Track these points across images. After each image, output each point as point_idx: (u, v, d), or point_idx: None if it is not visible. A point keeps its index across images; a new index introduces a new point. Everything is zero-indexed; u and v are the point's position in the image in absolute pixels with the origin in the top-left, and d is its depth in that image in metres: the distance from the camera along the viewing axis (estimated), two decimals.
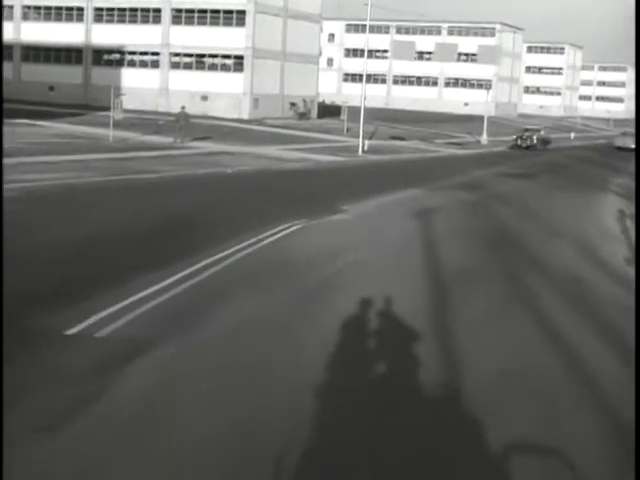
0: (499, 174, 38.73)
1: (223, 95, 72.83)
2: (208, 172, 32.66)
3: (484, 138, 67.86)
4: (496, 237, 20.11)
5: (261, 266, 15.21)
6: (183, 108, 47.68)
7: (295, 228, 19.49)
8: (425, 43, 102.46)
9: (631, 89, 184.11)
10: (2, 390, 7.87)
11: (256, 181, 31.17)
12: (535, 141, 61.48)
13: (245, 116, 71.74)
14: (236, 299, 12.65)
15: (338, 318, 11.57)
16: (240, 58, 72.35)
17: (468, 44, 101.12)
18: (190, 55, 74.58)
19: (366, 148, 48.91)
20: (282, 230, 18.98)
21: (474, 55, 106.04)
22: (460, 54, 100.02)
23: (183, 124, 45.80)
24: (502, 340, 11.25)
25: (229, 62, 73.28)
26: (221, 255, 15.50)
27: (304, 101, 78.24)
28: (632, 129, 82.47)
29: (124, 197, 23.86)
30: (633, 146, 74.93)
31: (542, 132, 65.03)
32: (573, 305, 13.45)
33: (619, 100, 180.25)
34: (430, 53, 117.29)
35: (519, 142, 61.56)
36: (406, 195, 27.83)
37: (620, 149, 74.52)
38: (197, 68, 74.46)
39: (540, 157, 54.60)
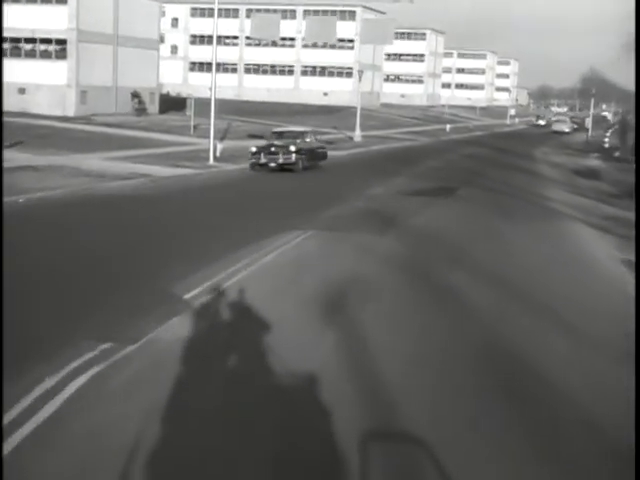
0: (405, 192, 28.44)
1: (44, 87, 60.31)
2: None
3: (357, 134, 57.94)
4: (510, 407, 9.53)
5: None
6: None
7: (75, 388, 8.64)
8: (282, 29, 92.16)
9: (491, 76, 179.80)
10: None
11: (51, 224, 19.82)
12: (293, 158, 34.23)
13: (71, 113, 59.53)
14: None
15: None
16: (63, 42, 60.02)
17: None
18: (2, 39, 61.58)
19: (219, 154, 37.91)
20: (39, 403, 8.11)
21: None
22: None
23: None
24: None
25: (50, 47, 60.80)
26: None
27: (136, 93, 65.94)
28: (564, 117, 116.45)
29: None
30: (567, 130, 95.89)
31: (309, 139, 37.32)
32: None
33: (480, 87, 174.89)
34: (285, 39, 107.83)
35: (263, 159, 34.27)
36: (287, 251, 17.09)
37: (556, 133, 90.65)
38: (12, 55, 61.46)
39: (438, 160, 44.87)
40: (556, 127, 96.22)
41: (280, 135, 37.17)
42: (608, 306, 13.61)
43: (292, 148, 34.33)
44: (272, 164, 34.15)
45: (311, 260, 16.28)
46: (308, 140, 37.04)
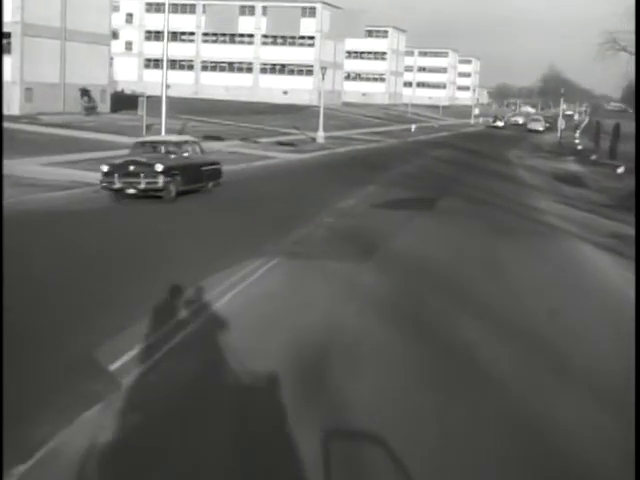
0: (379, 204, 25.30)
1: None
2: None
3: (321, 135, 54.82)
4: None
5: None
6: None
7: None
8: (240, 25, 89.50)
9: (453, 75, 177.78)
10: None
11: None
12: (161, 181, 23.90)
13: (15, 111, 55.62)
14: None
15: None
16: (7, 36, 56.11)
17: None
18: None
19: None
20: None
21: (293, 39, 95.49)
22: (284, 37, 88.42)
23: None
24: None
25: None
26: None
27: (84, 90, 62.02)
28: (539, 115, 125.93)
29: None
30: (541, 129, 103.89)
31: (189, 152, 26.49)
32: None
33: (442, 86, 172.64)
34: (243, 36, 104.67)
35: (118, 183, 23.93)
36: (252, 285, 13.97)
37: (530, 131, 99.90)
38: None
39: (409, 164, 41.77)
40: (531, 126, 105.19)
41: (151, 147, 26.86)
42: None
43: (159, 167, 23.81)
44: (130, 190, 23.91)
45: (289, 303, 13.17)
46: (187, 154, 26.34)
